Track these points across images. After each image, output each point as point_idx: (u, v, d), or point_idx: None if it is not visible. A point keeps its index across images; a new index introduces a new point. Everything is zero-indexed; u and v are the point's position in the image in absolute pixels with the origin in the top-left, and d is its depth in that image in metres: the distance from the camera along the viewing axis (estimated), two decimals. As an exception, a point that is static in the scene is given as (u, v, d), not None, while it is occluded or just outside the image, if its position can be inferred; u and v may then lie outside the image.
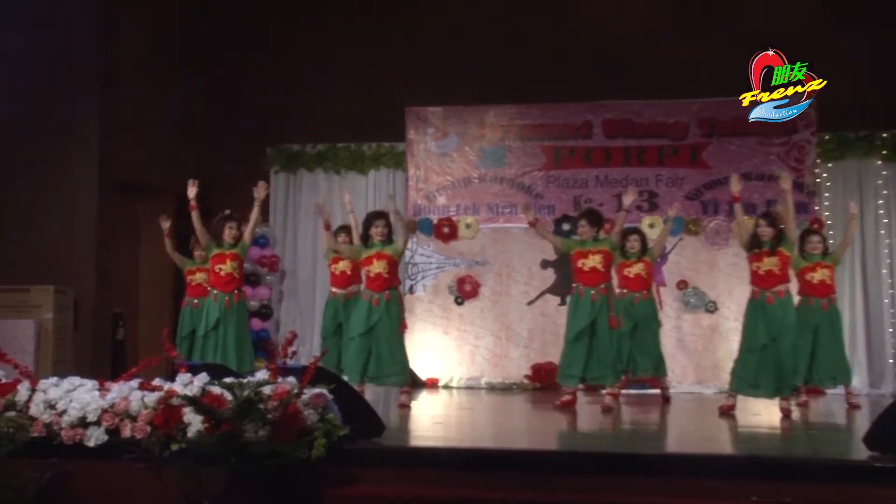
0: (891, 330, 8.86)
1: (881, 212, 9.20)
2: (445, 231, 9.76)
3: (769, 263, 6.32)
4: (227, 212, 7.29)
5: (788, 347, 6.21)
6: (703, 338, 9.15)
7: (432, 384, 9.39)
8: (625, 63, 9.70)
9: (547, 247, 9.55)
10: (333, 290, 7.94)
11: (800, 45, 9.16)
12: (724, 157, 9.36)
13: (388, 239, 6.78)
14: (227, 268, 6.97)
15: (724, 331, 9.07)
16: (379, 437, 4.57)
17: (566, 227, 9.51)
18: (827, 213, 9.27)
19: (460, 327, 9.65)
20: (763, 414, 6.85)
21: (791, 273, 6.54)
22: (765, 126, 9.07)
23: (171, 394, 4.03)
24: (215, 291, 6.98)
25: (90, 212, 8.07)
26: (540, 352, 9.44)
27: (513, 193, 9.71)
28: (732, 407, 6.48)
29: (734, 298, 9.02)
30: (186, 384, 4.15)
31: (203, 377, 4.18)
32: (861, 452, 4.29)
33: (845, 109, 9.03)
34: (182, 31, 10.24)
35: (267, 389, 3.91)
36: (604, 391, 7.08)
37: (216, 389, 3.97)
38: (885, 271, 9.08)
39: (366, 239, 6.82)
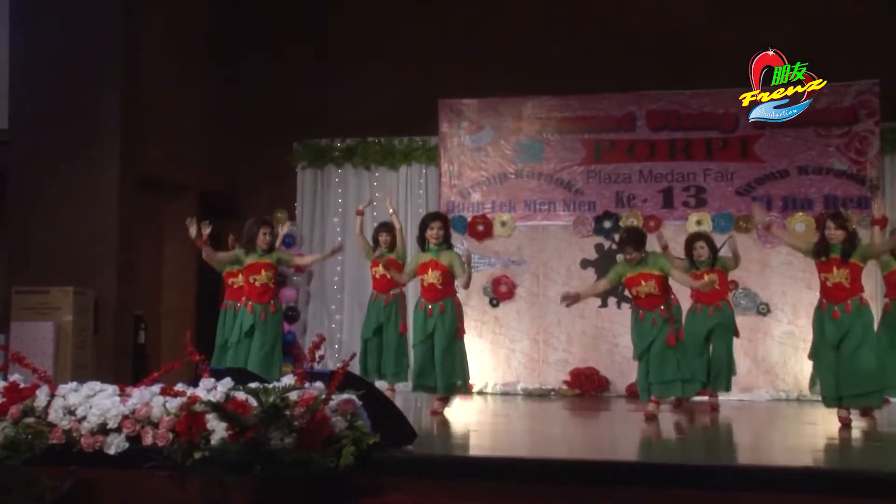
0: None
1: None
2: (480, 229, 9.74)
3: (839, 276, 6.09)
4: (261, 217, 7.33)
5: (850, 354, 6.07)
6: (754, 342, 9.02)
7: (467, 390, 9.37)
8: (671, 51, 9.62)
9: (587, 245, 9.49)
10: (375, 292, 8.22)
11: (861, 29, 9.11)
12: (777, 150, 9.21)
13: (446, 242, 6.87)
14: (262, 278, 7.06)
15: (777, 334, 8.94)
16: (410, 445, 4.56)
17: (607, 224, 9.44)
18: (891, 209, 9.04)
19: (495, 330, 9.63)
20: (819, 423, 6.74)
21: (878, 273, 6.35)
22: (823, 116, 9.04)
23: (193, 400, 4.04)
24: (251, 302, 7.05)
25: (111, 210, 8.17)
26: (579, 356, 9.40)
27: (551, 189, 9.67)
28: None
29: (787, 299, 8.91)
30: (210, 390, 4.17)
31: (227, 382, 4.20)
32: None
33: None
34: (210, 24, 10.34)
35: (293, 395, 3.92)
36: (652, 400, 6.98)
37: (241, 395, 3.98)
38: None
39: (422, 242, 6.93)
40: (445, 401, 6.91)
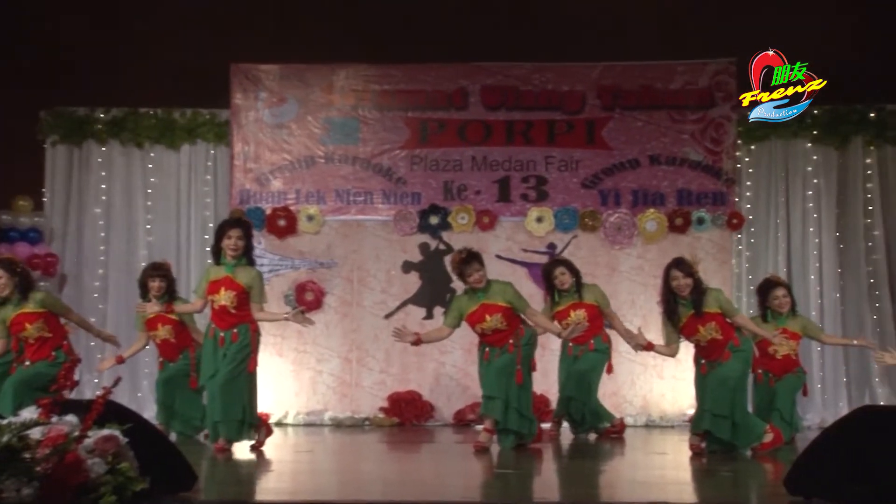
0: (819, 349, 9.38)
1: (810, 205, 9.68)
2: (281, 224, 9.66)
3: (708, 331, 6.74)
4: None
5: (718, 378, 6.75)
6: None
7: (262, 421, 9.27)
8: (510, 17, 9.89)
9: (409, 245, 9.63)
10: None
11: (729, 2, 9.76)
12: (627, 136, 9.67)
13: (246, 256, 6.89)
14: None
15: (625, 350, 9.33)
16: (189, 491, 4.49)
17: (434, 220, 9.60)
18: (749, 206, 9.72)
19: (299, 348, 9.58)
20: (670, 453, 7.16)
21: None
22: (677, 97, 9.60)
23: None
24: None
25: None
26: (399, 378, 9.50)
27: (368, 177, 9.72)
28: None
29: (637, 309, 9.35)
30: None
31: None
32: (782, 497, 4.55)
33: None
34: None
35: (36, 433, 3.77)
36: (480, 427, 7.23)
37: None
38: (812, 277, 9.59)
39: (217, 253, 6.89)
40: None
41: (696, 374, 7.00)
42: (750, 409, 7.29)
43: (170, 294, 7.74)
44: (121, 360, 7.91)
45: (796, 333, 7.46)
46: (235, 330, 6.77)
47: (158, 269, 7.80)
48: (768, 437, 6.84)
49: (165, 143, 9.93)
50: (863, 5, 9.72)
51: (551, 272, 7.99)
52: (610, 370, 8.17)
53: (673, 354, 7.12)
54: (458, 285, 7.95)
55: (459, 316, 7.13)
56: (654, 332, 7.56)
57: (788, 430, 7.34)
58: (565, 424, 8.33)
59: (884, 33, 9.43)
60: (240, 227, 6.93)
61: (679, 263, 6.83)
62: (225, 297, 6.76)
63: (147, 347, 8.07)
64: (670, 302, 6.81)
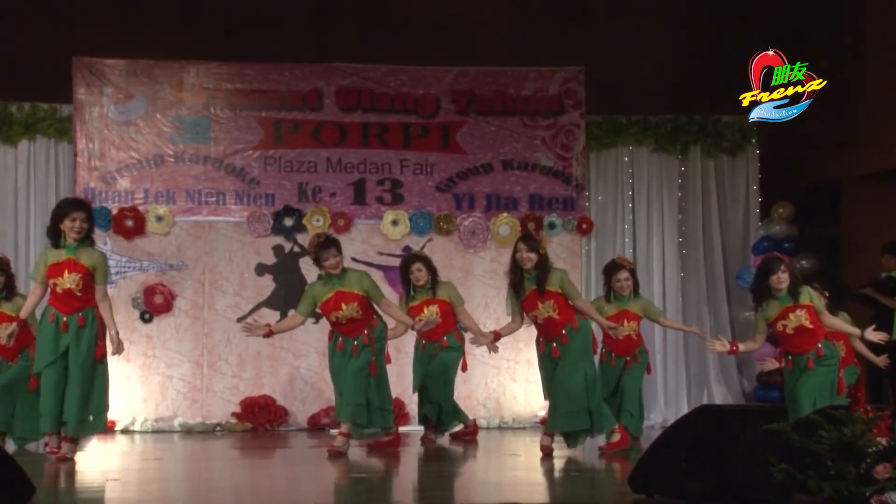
0: (661, 354, 9.75)
1: (654, 212, 10.08)
2: (129, 224, 9.43)
3: (546, 309, 6.83)
4: None
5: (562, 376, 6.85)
6: (454, 361, 9.54)
7: (107, 428, 9.03)
8: (366, 19, 9.93)
9: (263, 247, 9.54)
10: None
11: (569, 9, 10.04)
12: (481, 140, 9.85)
13: (88, 238, 6.65)
14: None
15: (479, 352, 9.46)
16: (27, 502, 4.35)
17: (289, 221, 9.54)
18: (596, 211, 10.03)
19: (148, 352, 9.38)
20: (522, 455, 7.32)
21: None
22: (529, 104, 9.83)
23: None
24: None
25: None
26: (252, 383, 9.42)
27: (220, 177, 9.59)
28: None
29: (491, 312, 9.52)
30: None
31: None
32: (627, 495, 4.72)
33: (616, 89, 9.87)
34: None
35: None
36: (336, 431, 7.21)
37: None
38: (656, 282, 9.98)
39: (57, 236, 6.61)
40: (76, 442, 6.66)
41: (537, 352, 7.11)
42: None
43: (9, 290, 7.42)
44: None
45: (637, 314, 7.63)
46: (81, 314, 6.55)
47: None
48: (616, 438, 7.05)
49: (3, 139, 9.53)
50: (701, 25, 10.22)
51: (408, 267, 8.04)
52: (465, 367, 8.22)
53: (517, 327, 7.17)
54: (312, 288, 7.89)
55: (313, 303, 7.08)
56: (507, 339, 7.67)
57: (637, 423, 7.59)
58: (419, 427, 8.38)
59: (720, 51, 9.90)
60: (83, 210, 6.64)
61: (526, 238, 6.98)
62: (70, 280, 6.51)
63: None
64: (516, 274, 6.92)
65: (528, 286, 6.87)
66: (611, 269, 7.78)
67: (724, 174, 10.23)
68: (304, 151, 9.71)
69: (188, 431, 9.12)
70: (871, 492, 4.13)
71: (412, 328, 7.51)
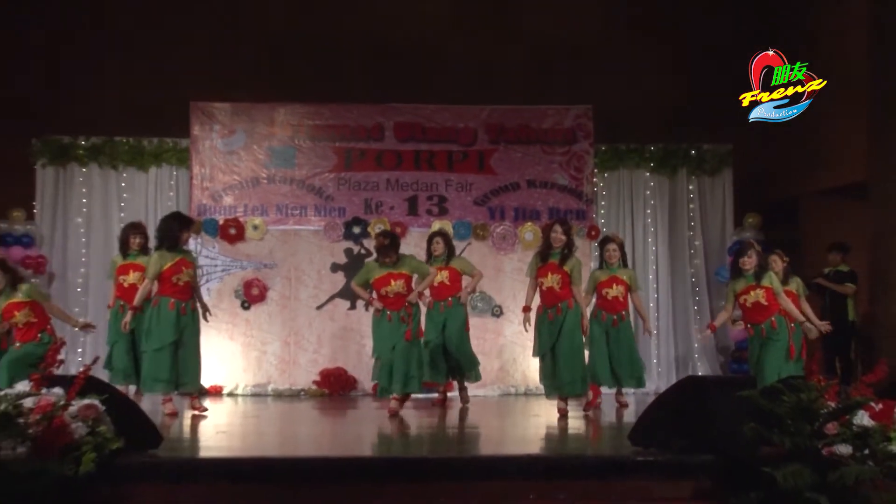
0: (655, 332, 9.71)
1: (649, 221, 10.07)
2: (232, 232, 9.55)
3: (552, 281, 6.76)
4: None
5: (566, 352, 6.73)
6: (488, 341, 9.56)
7: (216, 392, 9.15)
8: (417, 65, 10.01)
9: (336, 250, 9.62)
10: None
11: (581, 55, 10.04)
12: (509, 164, 9.84)
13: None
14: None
15: (508, 334, 9.52)
16: (156, 448, 4.43)
17: (357, 229, 9.61)
18: (603, 221, 10.02)
19: (247, 332, 9.48)
20: (542, 415, 7.32)
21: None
22: (547, 135, 9.81)
23: None
24: None
25: None
26: (329, 357, 9.48)
27: (303, 195, 9.68)
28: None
29: (518, 302, 9.50)
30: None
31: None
32: (627, 447, 4.72)
33: (619, 122, 9.87)
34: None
35: (28, 402, 3.69)
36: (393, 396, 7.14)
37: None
38: (651, 279, 9.95)
39: (175, 242, 6.83)
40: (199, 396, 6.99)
41: (537, 315, 6.90)
42: None
43: (145, 251, 7.46)
44: (134, 310, 6.89)
45: (624, 281, 7.52)
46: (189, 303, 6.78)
47: (138, 228, 7.65)
48: (590, 396, 7.19)
49: (136, 166, 9.76)
50: (688, 66, 10.13)
51: (431, 239, 7.89)
52: (467, 328, 7.92)
53: (534, 292, 6.90)
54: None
55: (367, 277, 7.06)
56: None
57: (641, 376, 7.74)
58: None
59: (702, 91, 9.79)
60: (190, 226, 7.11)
61: (562, 222, 6.89)
62: (186, 275, 6.76)
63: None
64: (546, 248, 6.79)
65: (552, 259, 6.78)
66: (603, 241, 7.72)
67: (706, 191, 10.16)
68: (369, 174, 9.77)
69: (279, 395, 9.19)
70: (822, 444, 4.10)
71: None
